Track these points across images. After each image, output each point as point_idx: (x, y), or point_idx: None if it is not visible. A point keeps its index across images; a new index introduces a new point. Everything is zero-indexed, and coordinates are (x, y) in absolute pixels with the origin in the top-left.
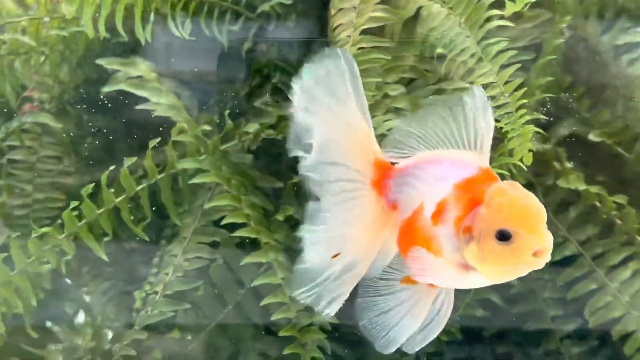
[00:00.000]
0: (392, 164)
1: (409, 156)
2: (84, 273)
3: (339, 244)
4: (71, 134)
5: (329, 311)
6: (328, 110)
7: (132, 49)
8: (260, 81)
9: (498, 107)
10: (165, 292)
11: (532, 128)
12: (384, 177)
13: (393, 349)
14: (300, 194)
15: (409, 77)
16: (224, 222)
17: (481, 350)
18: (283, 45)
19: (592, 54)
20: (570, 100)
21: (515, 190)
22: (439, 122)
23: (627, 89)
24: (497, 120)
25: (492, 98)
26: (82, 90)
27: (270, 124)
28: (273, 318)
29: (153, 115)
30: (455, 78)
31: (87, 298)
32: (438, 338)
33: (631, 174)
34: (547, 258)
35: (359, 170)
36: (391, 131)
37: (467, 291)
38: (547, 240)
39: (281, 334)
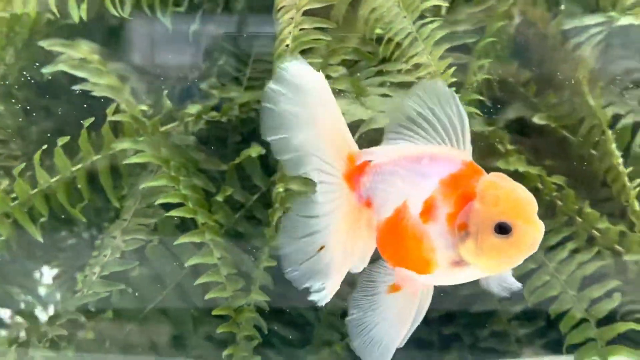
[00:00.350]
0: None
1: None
2: (30, 255)
3: (323, 237)
4: (19, 118)
5: (321, 297)
6: (300, 113)
7: (78, 31)
8: (209, 64)
9: None
10: (103, 273)
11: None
12: (356, 173)
13: (388, 358)
14: (244, 177)
15: (353, 59)
16: (158, 202)
17: (427, 331)
18: (231, 27)
19: (541, 38)
20: (518, 83)
21: (506, 182)
22: (415, 118)
23: (574, 73)
24: None
25: (422, 78)
26: (28, 73)
27: (213, 105)
28: (207, 297)
29: (103, 98)
30: (394, 59)
31: (30, 280)
32: None
33: (576, 157)
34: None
35: (331, 163)
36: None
37: None
38: (542, 228)
39: (215, 313)
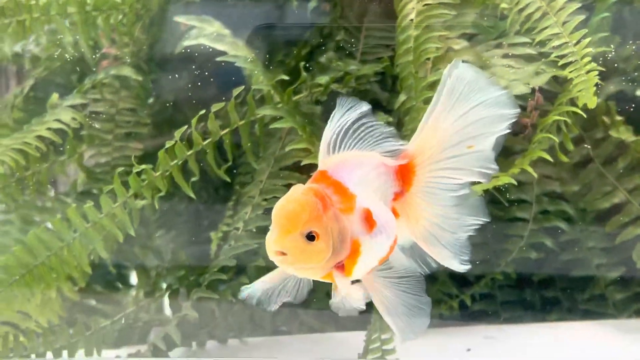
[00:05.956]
0: None
1: None
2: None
3: None
4: (148, 88)
5: None
6: None
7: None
8: (321, 40)
9: (563, 56)
10: (247, 228)
11: (596, 74)
12: None
13: None
14: None
15: (471, 33)
16: (303, 163)
17: (530, 294)
18: (344, 4)
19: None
20: (618, 58)
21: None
22: None
23: None
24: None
25: (558, 47)
26: (155, 47)
27: (336, 77)
28: None
29: (223, 69)
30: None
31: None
32: (492, 279)
33: None
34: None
35: None
36: None
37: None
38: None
39: None
